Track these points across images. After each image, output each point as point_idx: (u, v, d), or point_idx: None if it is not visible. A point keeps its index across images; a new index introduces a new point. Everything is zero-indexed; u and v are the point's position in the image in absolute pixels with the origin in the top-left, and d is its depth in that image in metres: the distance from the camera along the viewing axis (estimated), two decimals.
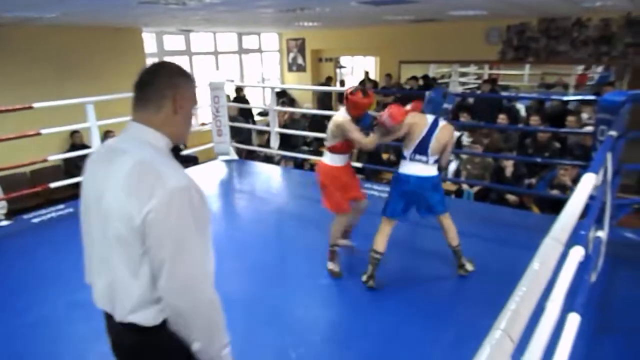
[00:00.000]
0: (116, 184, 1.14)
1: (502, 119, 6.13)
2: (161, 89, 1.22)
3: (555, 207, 4.40)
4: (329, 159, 3.12)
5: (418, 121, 2.97)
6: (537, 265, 1.00)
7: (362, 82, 9.72)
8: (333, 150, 3.09)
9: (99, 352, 2.55)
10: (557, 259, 1.07)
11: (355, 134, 3.00)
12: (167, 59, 8.74)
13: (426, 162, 2.95)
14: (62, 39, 6.87)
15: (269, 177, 6.11)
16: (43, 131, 4.74)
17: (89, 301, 2.88)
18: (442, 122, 2.98)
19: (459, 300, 3.07)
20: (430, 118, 2.97)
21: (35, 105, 4.51)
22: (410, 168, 2.98)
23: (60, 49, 6.90)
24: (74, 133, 6.78)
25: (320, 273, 3.28)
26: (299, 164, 7.03)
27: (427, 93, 3.17)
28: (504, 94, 7.92)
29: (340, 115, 3.05)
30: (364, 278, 3.05)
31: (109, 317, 1.29)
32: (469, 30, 8.27)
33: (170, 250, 1.12)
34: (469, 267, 3.18)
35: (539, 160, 4.81)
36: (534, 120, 5.71)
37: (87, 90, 5.69)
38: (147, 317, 1.19)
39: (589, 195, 2.18)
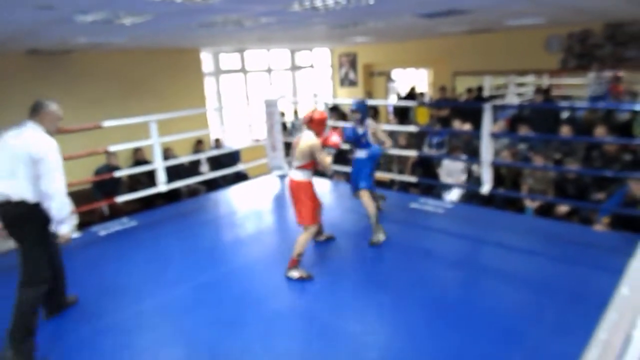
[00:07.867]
0: None
1: (565, 131, 5.83)
2: None
3: (629, 224, 4.11)
4: (301, 176, 3.55)
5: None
6: (627, 290, 0.92)
7: (407, 96, 9.60)
8: (305, 167, 3.54)
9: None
10: None
11: (322, 154, 3.49)
12: (223, 77, 9.12)
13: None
14: (126, 62, 7.30)
15: (322, 191, 6.11)
16: (110, 148, 5.02)
17: (154, 310, 2.97)
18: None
19: (531, 323, 2.91)
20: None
21: (105, 123, 4.78)
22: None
23: (124, 71, 7.32)
24: (136, 150, 7.13)
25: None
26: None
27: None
28: (563, 104, 7.54)
29: (311, 138, 3.49)
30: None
31: None
32: (526, 39, 7.99)
33: None
34: (382, 237, 4.00)
35: (608, 174, 4.51)
36: (600, 131, 5.39)
37: (149, 109, 5.99)
38: None
39: None
